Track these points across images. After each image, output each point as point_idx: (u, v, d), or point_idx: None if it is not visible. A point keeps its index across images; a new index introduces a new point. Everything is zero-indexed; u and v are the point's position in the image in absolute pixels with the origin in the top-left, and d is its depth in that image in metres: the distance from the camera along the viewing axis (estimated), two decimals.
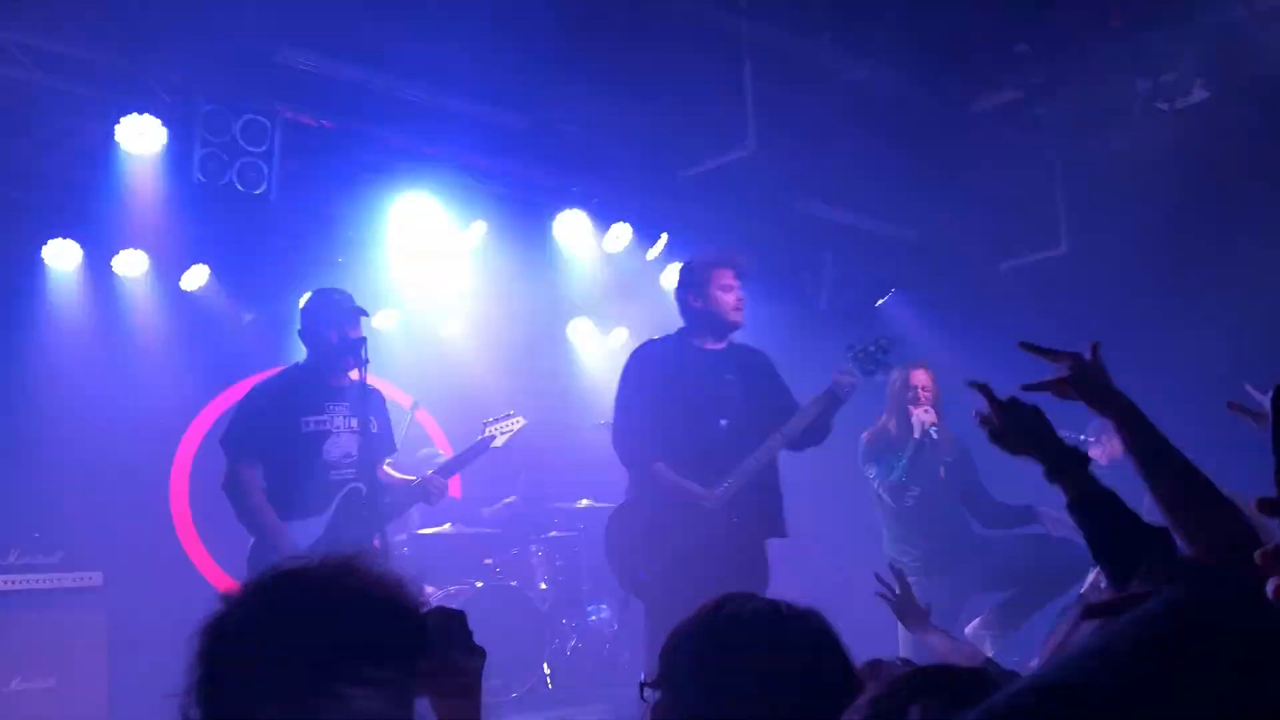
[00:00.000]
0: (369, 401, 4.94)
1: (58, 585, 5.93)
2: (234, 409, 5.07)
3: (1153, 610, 0.57)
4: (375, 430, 4.98)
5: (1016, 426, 2.20)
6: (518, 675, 6.74)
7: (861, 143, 6.63)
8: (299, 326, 5.13)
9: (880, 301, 8.52)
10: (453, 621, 1.73)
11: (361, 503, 4.83)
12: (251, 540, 4.80)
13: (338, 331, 4.93)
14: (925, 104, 6.54)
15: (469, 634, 1.74)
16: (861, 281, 8.35)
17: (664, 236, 7.47)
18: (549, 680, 6.95)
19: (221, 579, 7.51)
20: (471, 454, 5.46)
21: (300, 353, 5.22)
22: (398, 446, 5.46)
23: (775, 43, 6.02)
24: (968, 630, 5.82)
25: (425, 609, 1.53)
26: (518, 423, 5.62)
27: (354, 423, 4.91)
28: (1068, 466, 2.08)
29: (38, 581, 5.92)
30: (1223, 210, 6.62)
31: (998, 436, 2.21)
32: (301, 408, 4.86)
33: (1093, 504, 2.00)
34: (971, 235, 8.10)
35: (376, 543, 4.71)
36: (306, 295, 5.33)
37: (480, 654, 1.75)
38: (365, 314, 5.08)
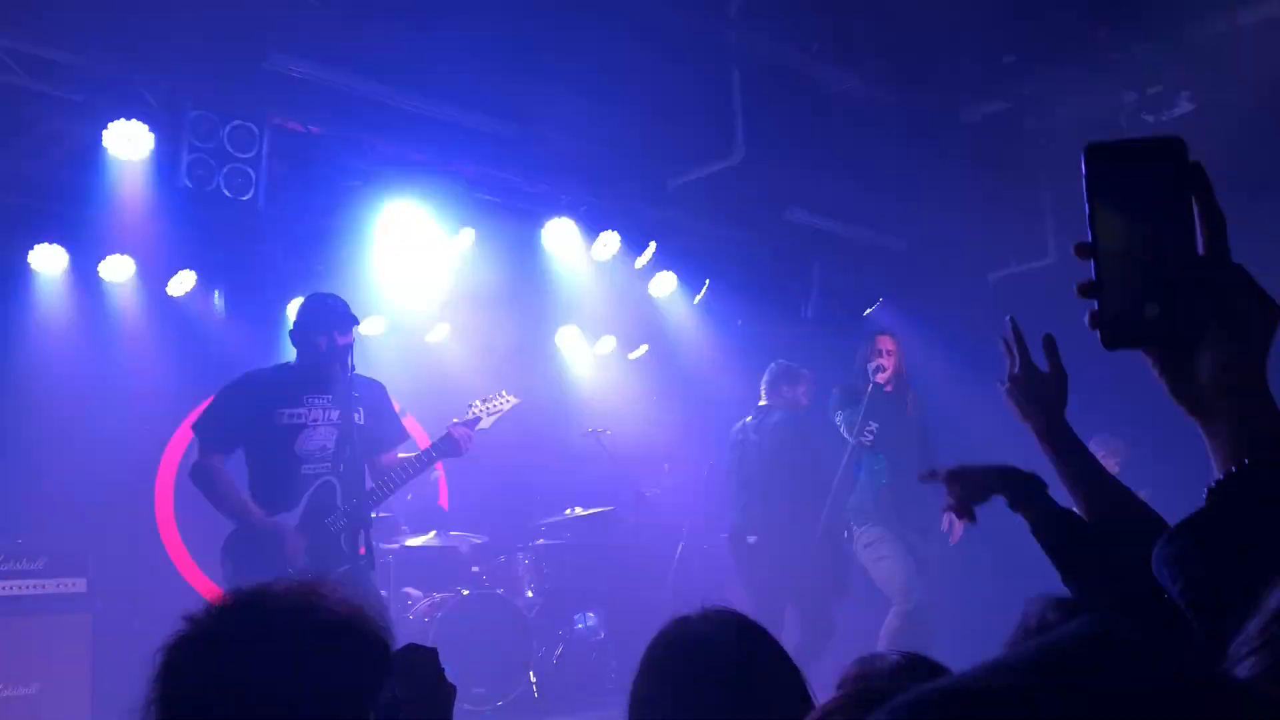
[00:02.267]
0: (362, 395, 4.95)
1: (41, 591, 5.90)
2: (213, 397, 5.04)
3: (1068, 632, 0.57)
4: (361, 423, 4.93)
5: (965, 478, 2.26)
6: (504, 684, 6.72)
7: (849, 152, 6.66)
8: (290, 328, 5.10)
9: (868, 311, 8.54)
10: (425, 657, 1.73)
11: (332, 498, 4.82)
12: (232, 527, 4.82)
13: (327, 337, 4.91)
14: (913, 114, 6.57)
15: (440, 670, 1.75)
16: (849, 291, 8.37)
17: (652, 245, 7.48)
18: (535, 689, 6.92)
19: (206, 585, 7.48)
20: (456, 434, 5.27)
21: (292, 353, 5.20)
22: (406, 435, 5.38)
23: (763, 53, 6.04)
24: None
25: (388, 636, 1.50)
26: (508, 402, 5.55)
27: (334, 415, 4.88)
28: (1024, 496, 2.11)
29: (21, 588, 5.87)
30: None
31: (955, 496, 2.25)
32: (279, 400, 4.84)
33: (1052, 528, 2.02)
34: (959, 245, 8.13)
35: (362, 548, 4.73)
36: (300, 299, 5.31)
37: (451, 690, 1.76)
38: (356, 321, 5.06)
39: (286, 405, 4.83)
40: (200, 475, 4.85)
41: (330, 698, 1.39)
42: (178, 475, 7.35)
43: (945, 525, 6.35)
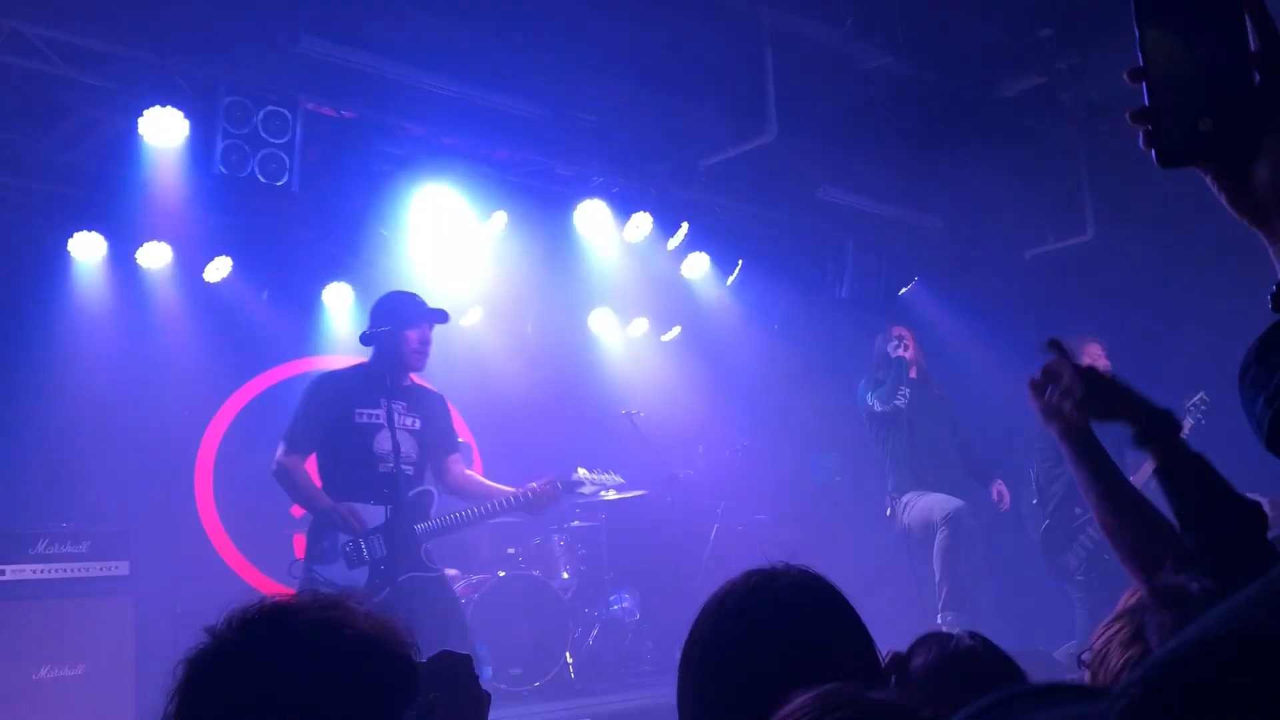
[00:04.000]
0: (426, 403, 5.07)
1: (85, 574, 5.99)
2: (296, 404, 5.08)
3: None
4: (418, 428, 5.00)
5: (1102, 389, 2.11)
6: (540, 665, 6.76)
7: (883, 130, 6.59)
8: (369, 326, 5.06)
9: (903, 290, 8.48)
10: (460, 662, 1.73)
11: (418, 499, 4.92)
12: (311, 519, 4.91)
13: (419, 332, 4.99)
14: (948, 91, 6.48)
15: (475, 677, 1.74)
16: (884, 270, 8.31)
17: (684, 226, 7.45)
18: (571, 670, 6.96)
19: (246, 568, 7.57)
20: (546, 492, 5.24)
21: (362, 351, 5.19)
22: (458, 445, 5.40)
23: (796, 31, 5.98)
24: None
25: (415, 654, 1.48)
26: (613, 482, 5.82)
27: (411, 421, 4.97)
28: (1157, 431, 2.01)
29: (65, 571, 5.98)
30: None
31: (1084, 402, 2.09)
32: (357, 400, 4.89)
33: (1181, 470, 1.93)
34: (996, 223, 8.04)
35: (422, 553, 4.83)
36: (384, 293, 5.36)
37: (486, 696, 1.76)
38: (445, 318, 5.14)
39: (365, 405, 4.88)
40: (280, 477, 4.91)
41: (354, 714, 1.37)
42: (217, 459, 7.44)
43: (995, 497, 6.51)
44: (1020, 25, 6.08)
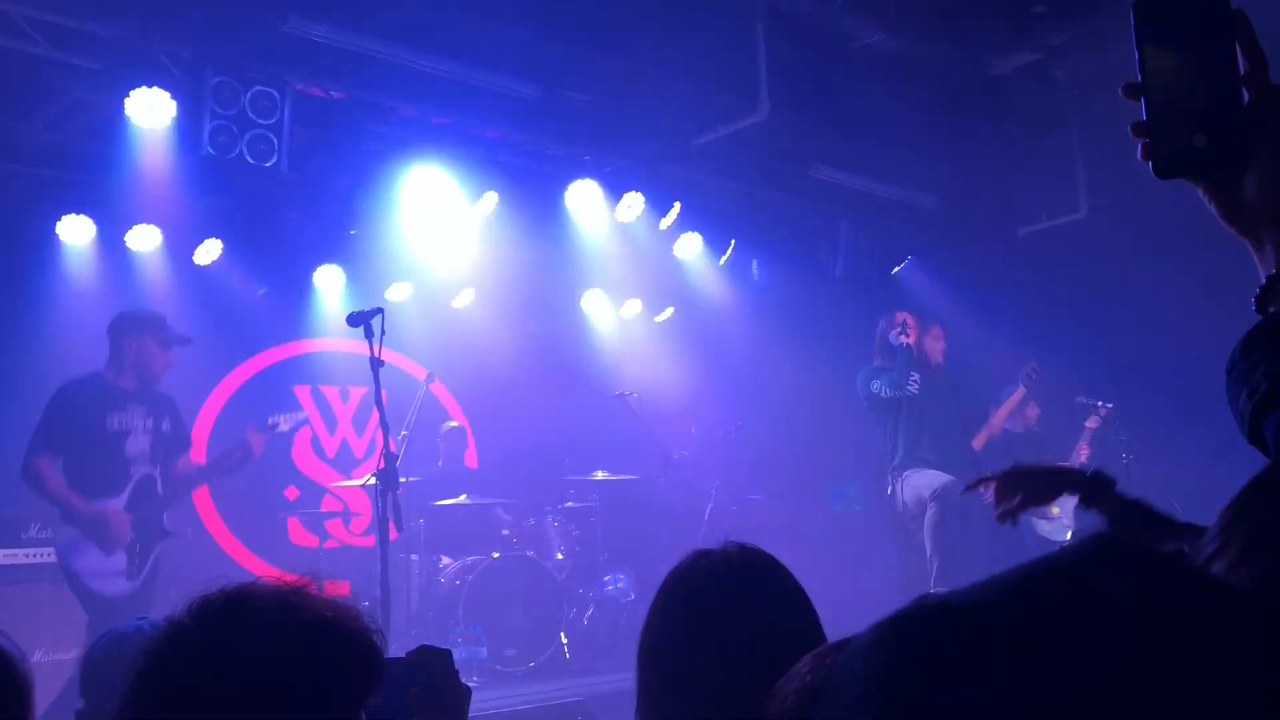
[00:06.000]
0: (162, 406, 5.54)
1: None
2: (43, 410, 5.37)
3: (1069, 548, 0.56)
4: (167, 430, 5.52)
5: (1020, 488, 2.18)
6: (535, 645, 6.77)
7: (877, 108, 6.56)
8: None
9: (897, 268, 8.47)
10: (439, 657, 1.72)
11: (152, 489, 5.43)
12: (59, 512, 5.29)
13: (136, 346, 5.42)
14: (941, 68, 6.46)
15: (455, 672, 1.74)
16: (878, 249, 8.29)
17: (676, 206, 7.42)
18: (566, 650, 6.97)
19: (239, 550, 7.57)
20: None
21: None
22: (190, 441, 5.92)
23: (788, 7, 5.94)
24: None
25: (378, 639, 1.44)
26: (302, 417, 6.23)
27: (149, 423, 5.45)
28: (1096, 494, 2.06)
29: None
30: None
31: (1007, 512, 2.18)
32: (107, 405, 5.34)
33: (1127, 520, 1.99)
34: (989, 200, 8.03)
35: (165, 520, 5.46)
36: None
37: (466, 691, 1.75)
38: (185, 343, 5.64)
39: (113, 410, 5.35)
40: (29, 477, 5.23)
41: (315, 700, 1.35)
42: (209, 441, 7.42)
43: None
44: (1013, 2, 6.05)
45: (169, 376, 5.70)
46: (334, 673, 1.37)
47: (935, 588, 6.18)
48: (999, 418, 7.00)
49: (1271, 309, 0.97)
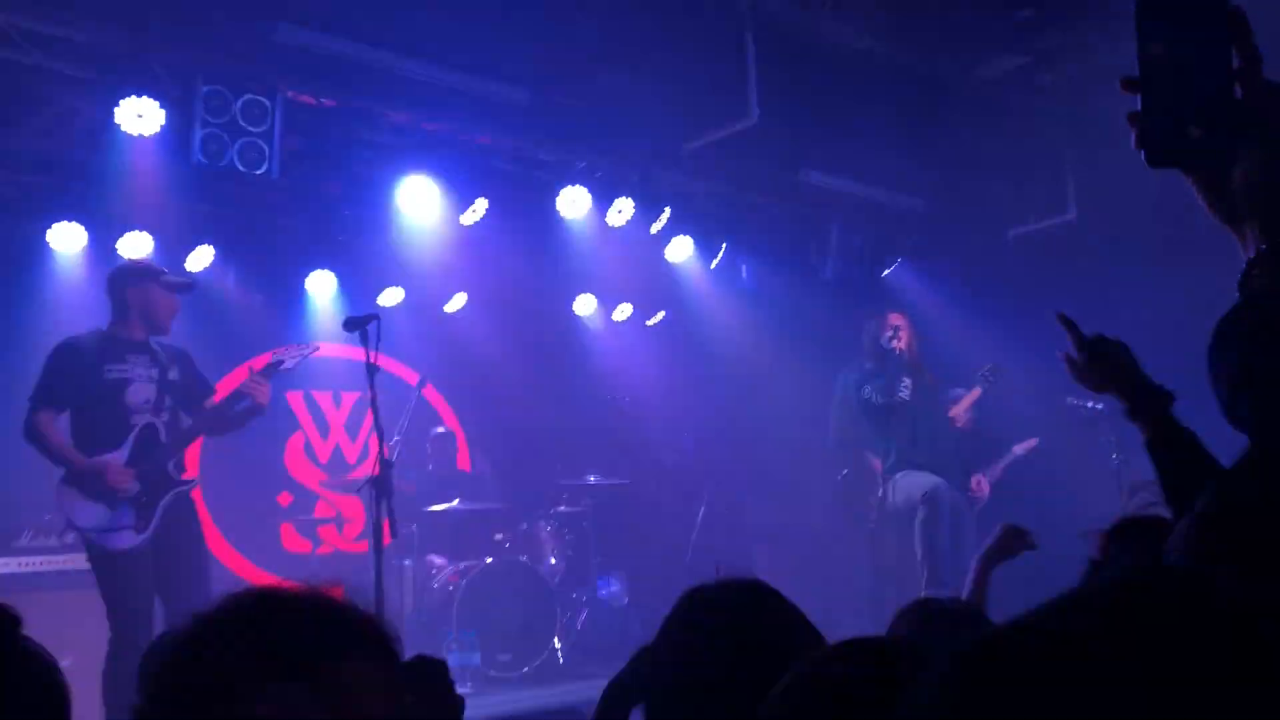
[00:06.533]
0: (171, 356, 5.40)
1: (70, 566, 5.96)
2: (43, 365, 5.26)
3: (1115, 577, 0.58)
4: (175, 378, 5.35)
5: (1101, 363, 2.24)
6: (529, 650, 6.78)
7: (865, 112, 6.59)
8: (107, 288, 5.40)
9: (886, 271, 8.50)
10: (434, 668, 1.73)
11: (155, 437, 5.22)
12: (61, 471, 5.11)
13: (141, 293, 5.29)
14: (929, 72, 6.49)
15: (450, 683, 1.75)
16: (868, 252, 8.32)
17: (667, 210, 7.44)
18: (560, 654, 6.98)
19: (234, 558, 7.55)
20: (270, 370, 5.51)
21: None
22: (213, 388, 5.67)
23: (776, 12, 5.97)
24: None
25: (396, 645, 1.39)
26: (310, 348, 5.79)
27: (154, 372, 5.28)
28: (1147, 408, 2.08)
29: (50, 563, 5.96)
30: None
31: (1080, 373, 2.26)
32: (106, 357, 5.19)
33: (1168, 446, 1.99)
34: (978, 203, 8.06)
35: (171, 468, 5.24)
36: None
37: (460, 701, 1.76)
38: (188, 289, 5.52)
39: (112, 362, 5.20)
40: (30, 434, 5.10)
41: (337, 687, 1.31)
42: (202, 450, 7.40)
43: (974, 485, 6.64)
44: (1000, 6, 6.08)
45: None
46: (305, 639, 1.33)
47: (926, 591, 6.20)
48: (960, 416, 7.12)
49: (1249, 293, 1.01)
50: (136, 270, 5.41)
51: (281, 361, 5.46)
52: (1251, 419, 0.94)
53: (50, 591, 5.86)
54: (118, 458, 5.09)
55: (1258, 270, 1.01)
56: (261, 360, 5.55)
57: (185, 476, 5.32)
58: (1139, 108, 1.07)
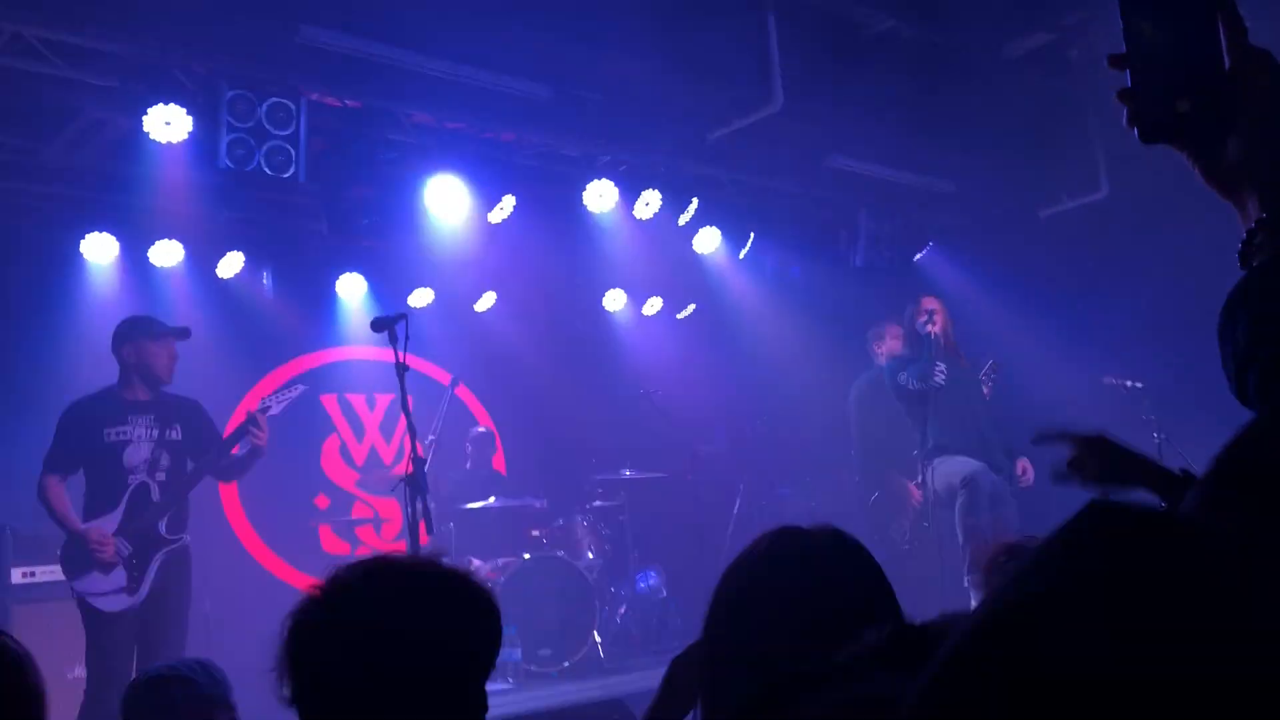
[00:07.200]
0: (176, 412, 5.45)
1: None
2: (55, 430, 5.37)
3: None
4: (175, 436, 5.41)
5: (1114, 462, 2.12)
6: (569, 645, 6.78)
7: (891, 95, 6.53)
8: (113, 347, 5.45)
9: (918, 256, 8.43)
10: None
11: (146, 497, 5.31)
12: (64, 538, 5.27)
13: (134, 350, 5.35)
14: (955, 52, 6.41)
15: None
16: (898, 236, 8.25)
17: (694, 201, 7.41)
18: (600, 649, 6.98)
19: (274, 562, 7.61)
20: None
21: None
22: (222, 440, 5.67)
23: None
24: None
25: (494, 598, 1.65)
26: (296, 390, 5.98)
27: (154, 432, 5.36)
28: (1177, 493, 2.02)
29: None
30: None
31: (1098, 478, 2.10)
32: (107, 420, 5.29)
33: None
34: (1009, 184, 7.97)
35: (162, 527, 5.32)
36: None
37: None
38: (182, 334, 5.49)
39: (112, 425, 5.30)
40: (40, 498, 5.24)
41: (447, 650, 1.55)
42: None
43: (1019, 470, 6.54)
44: None
45: (192, 385, 5.74)
46: (461, 623, 1.58)
47: (969, 576, 6.14)
48: None
49: (1254, 264, 1.00)
50: (125, 329, 5.44)
51: (269, 408, 5.62)
52: (1258, 396, 0.92)
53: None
54: (112, 519, 5.23)
55: (1259, 240, 1.00)
56: (249, 406, 5.75)
57: (176, 535, 5.40)
58: (1129, 85, 1.06)
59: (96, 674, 5.03)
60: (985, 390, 6.87)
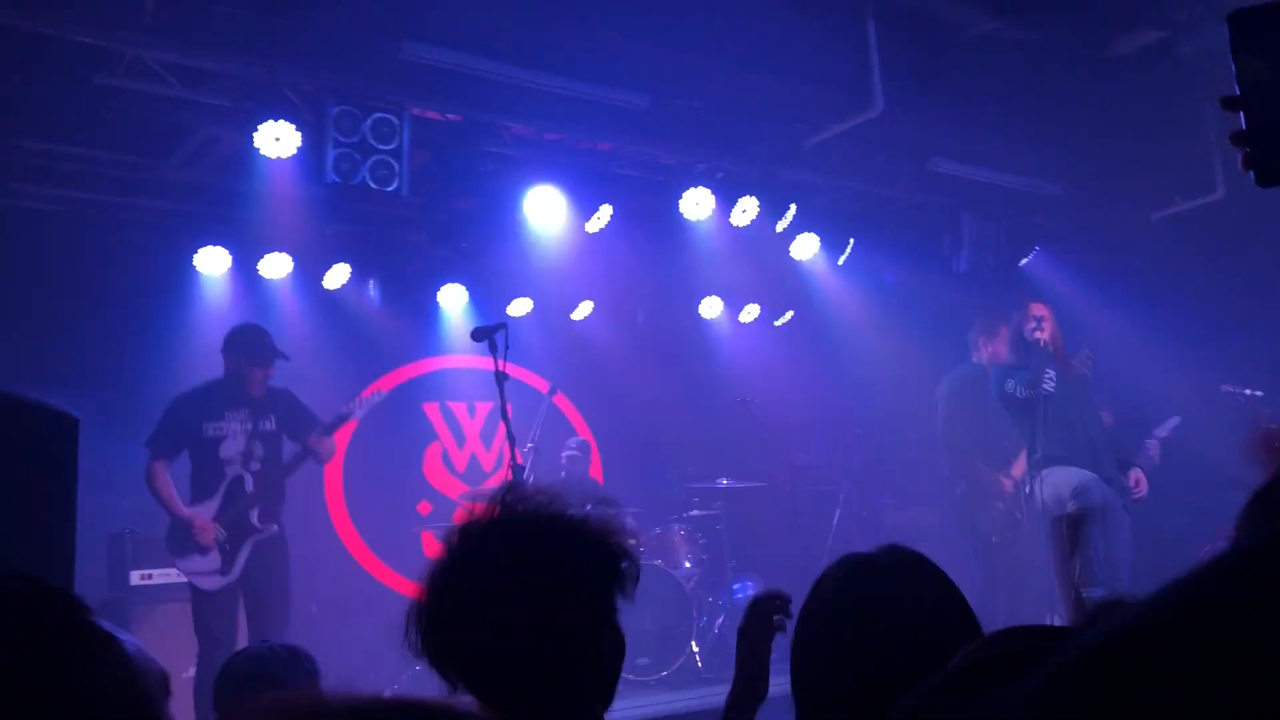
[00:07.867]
0: (269, 403, 5.95)
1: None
2: (159, 417, 5.86)
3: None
4: (269, 428, 5.94)
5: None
6: (666, 654, 6.78)
7: (994, 97, 6.40)
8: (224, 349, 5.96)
9: (1024, 260, 8.23)
10: None
11: (241, 488, 5.85)
12: (168, 522, 5.80)
13: (235, 363, 5.88)
14: (1060, 52, 6.24)
15: None
16: (1002, 241, 8.07)
17: (792, 208, 7.35)
18: (698, 659, 6.96)
19: (377, 566, 7.77)
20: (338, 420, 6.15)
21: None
22: (319, 420, 6.11)
23: (898, 0, 5.84)
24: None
25: (622, 540, 1.69)
26: (378, 396, 6.43)
27: (249, 425, 5.89)
28: None
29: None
30: None
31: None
32: (207, 414, 5.83)
33: None
34: (1119, 186, 7.74)
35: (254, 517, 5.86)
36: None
37: None
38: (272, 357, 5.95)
39: (210, 419, 5.83)
40: (148, 482, 5.77)
41: (576, 591, 1.62)
42: (345, 462, 7.64)
43: (1133, 482, 6.34)
44: None
45: (299, 393, 6.13)
46: (585, 567, 1.64)
47: (1081, 587, 5.96)
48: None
49: None
50: (235, 342, 5.94)
51: (352, 412, 6.14)
52: None
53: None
54: (211, 506, 5.80)
55: None
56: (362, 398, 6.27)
57: (266, 524, 5.89)
58: (1243, 127, 1.02)
59: (204, 639, 5.60)
60: (1086, 372, 6.66)
